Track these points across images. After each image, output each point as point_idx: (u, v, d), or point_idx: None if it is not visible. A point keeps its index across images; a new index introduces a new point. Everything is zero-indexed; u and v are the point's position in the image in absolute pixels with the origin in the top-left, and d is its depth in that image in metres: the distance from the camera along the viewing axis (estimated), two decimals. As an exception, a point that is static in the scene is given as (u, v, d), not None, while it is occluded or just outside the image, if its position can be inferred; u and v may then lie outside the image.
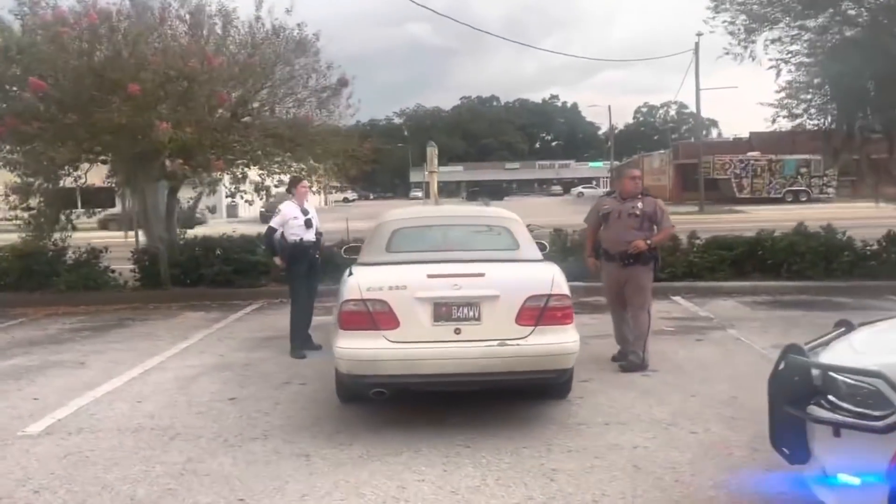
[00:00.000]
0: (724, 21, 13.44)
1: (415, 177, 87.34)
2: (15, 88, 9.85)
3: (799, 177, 47.10)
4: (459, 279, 4.84)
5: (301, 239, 7.47)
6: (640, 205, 6.44)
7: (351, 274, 5.09)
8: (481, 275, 4.92)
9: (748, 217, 30.97)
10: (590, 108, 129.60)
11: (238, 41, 10.69)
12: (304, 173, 10.67)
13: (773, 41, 13.72)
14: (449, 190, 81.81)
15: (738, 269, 11.10)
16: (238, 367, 6.93)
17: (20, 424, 5.37)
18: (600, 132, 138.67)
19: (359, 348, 4.81)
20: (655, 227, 6.44)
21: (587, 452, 4.56)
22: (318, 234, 7.79)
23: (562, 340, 4.86)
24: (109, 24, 9.38)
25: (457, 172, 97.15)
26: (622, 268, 6.40)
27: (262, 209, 34.22)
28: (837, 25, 13.27)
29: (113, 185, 11.84)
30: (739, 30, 13.70)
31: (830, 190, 46.78)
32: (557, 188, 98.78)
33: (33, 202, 10.55)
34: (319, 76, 11.33)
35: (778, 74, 13.46)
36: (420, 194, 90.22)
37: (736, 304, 9.80)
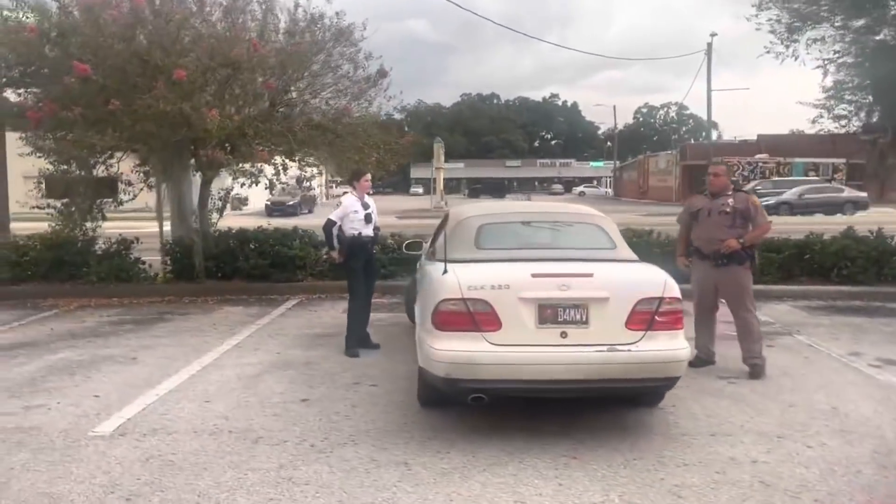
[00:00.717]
0: (770, 19, 13.27)
1: (415, 173, 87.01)
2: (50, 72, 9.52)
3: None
4: (566, 279, 4.57)
5: (360, 233, 7.21)
6: (730, 201, 6.18)
7: (445, 271, 4.79)
8: (590, 275, 4.65)
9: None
10: (590, 108, 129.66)
11: (279, 28, 10.39)
12: (355, 165, 10.39)
13: (815, 40, 13.55)
14: (450, 187, 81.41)
15: (786, 272, 10.85)
16: (299, 366, 6.65)
17: (88, 424, 5.09)
18: (600, 132, 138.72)
19: (458, 350, 4.53)
20: (750, 224, 6.18)
21: (705, 466, 4.30)
22: (377, 228, 7.53)
23: (673, 347, 4.60)
24: (153, 6, 9.06)
25: (458, 169, 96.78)
26: (715, 268, 6.15)
27: (268, 202, 34.00)
28: (883, 26, 13.11)
29: (141, 174, 11.53)
30: (782, 28, 13.53)
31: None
32: (559, 187, 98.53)
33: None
34: (359, 66, 11.02)
35: (825, 75, 13.30)
36: (420, 191, 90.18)
37: (790, 309, 9.56)
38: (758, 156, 47.85)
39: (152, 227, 12.14)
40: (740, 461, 4.38)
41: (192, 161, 10.63)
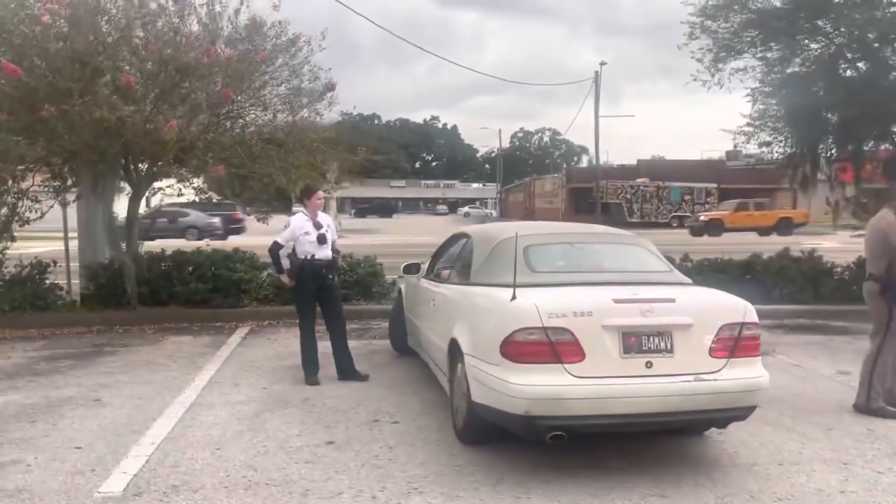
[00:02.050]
0: (701, 48, 13.68)
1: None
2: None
3: (683, 203, 49.56)
4: (650, 304, 4.30)
5: (312, 255, 6.65)
6: None
7: (514, 297, 4.40)
8: (672, 300, 4.40)
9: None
10: (468, 131, 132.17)
11: (225, 34, 9.62)
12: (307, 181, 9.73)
13: (738, 70, 14.14)
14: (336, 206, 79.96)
15: (734, 291, 11.11)
16: (298, 403, 6.01)
17: (88, 483, 4.30)
18: (479, 154, 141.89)
19: (540, 385, 4.15)
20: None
21: (799, 500, 4.13)
22: (336, 251, 6.99)
23: (755, 375, 4.42)
24: (96, 4, 8.14)
25: (341, 188, 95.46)
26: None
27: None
28: (794, 57, 13.84)
29: (51, 189, 10.33)
30: (709, 58, 14.03)
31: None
32: (443, 207, 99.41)
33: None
34: (304, 78, 10.39)
35: (753, 103, 13.84)
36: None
37: (748, 328, 9.76)
38: (639, 180, 50.19)
39: (40, 247, 10.84)
40: (828, 492, 4.23)
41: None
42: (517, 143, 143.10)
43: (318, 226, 6.68)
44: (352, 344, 8.22)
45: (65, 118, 7.92)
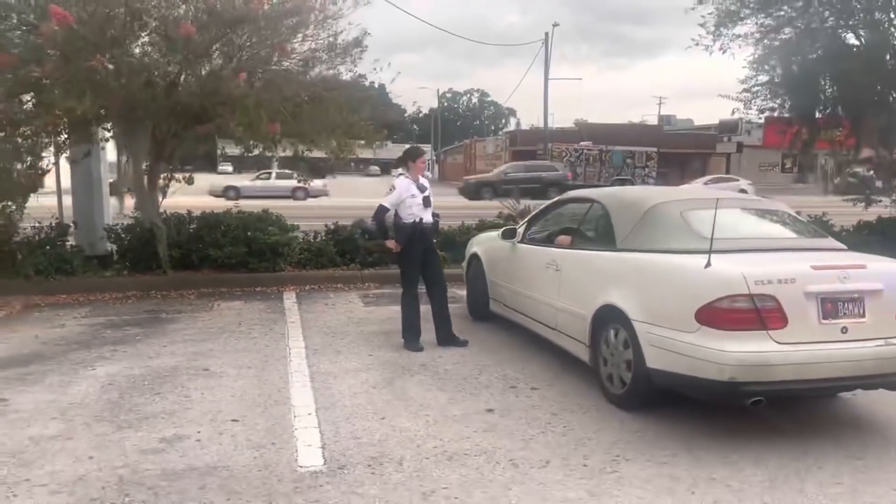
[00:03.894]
0: (710, 12, 13.85)
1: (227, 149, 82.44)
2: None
3: (625, 166, 50.57)
4: (845, 270, 4.39)
5: (420, 219, 6.53)
6: None
7: (709, 264, 4.40)
8: (863, 266, 4.51)
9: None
10: (397, 90, 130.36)
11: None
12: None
13: (738, 36, 14.41)
14: (262, 164, 78.10)
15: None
16: (417, 369, 5.91)
17: (278, 456, 4.12)
18: (406, 115, 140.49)
19: (747, 352, 4.19)
20: None
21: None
22: (436, 214, 6.86)
23: (934, 337, 4.57)
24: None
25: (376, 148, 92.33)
26: None
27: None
28: (794, 24, 14.22)
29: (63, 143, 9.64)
30: (711, 23, 14.24)
31: (650, 180, 50.81)
32: (376, 169, 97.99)
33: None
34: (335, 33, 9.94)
35: (756, 71, 14.15)
36: (230, 168, 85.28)
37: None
38: (582, 143, 50.82)
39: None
40: None
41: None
42: (445, 105, 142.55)
43: (422, 188, 6.52)
44: (395, 308, 8.10)
45: (117, 70, 7.39)
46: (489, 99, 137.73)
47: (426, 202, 6.53)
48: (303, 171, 9.74)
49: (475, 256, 7.69)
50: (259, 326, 7.33)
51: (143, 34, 7.65)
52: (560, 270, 5.86)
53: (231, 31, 7.75)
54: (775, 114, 14.61)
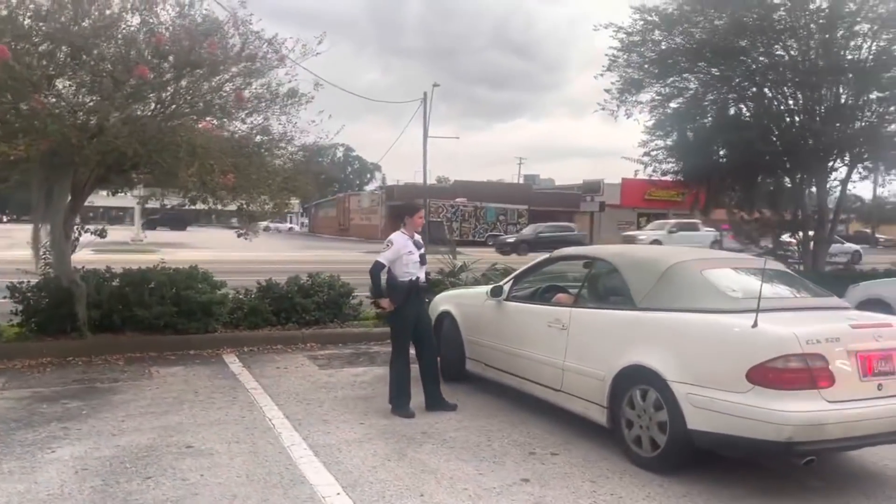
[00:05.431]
0: (614, 81, 14.59)
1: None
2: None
3: (498, 223, 51.95)
4: (879, 329, 4.56)
5: (417, 278, 6.29)
6: None
7: (756, 325, 4.40)
8: (890, 325, 4.68)
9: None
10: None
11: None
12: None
13: (638, 103, 15.27)
14: (116, 217, 73.91)
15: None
16: (419, 437, 5.54)
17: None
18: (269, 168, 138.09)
19: (802, 411, 4.20)
20: None
21: None
22: (428, 273, 6.63)
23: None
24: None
25: (124, 198, 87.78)
26: None
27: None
28: (680, 94, 15.26)
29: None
30: (615, 90, 15.02)
31: (522, 236, 52.42)
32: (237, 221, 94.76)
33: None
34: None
35: (654, 135, 14.98)
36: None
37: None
38: (457, 199, 51.82)
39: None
40: None
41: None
42: (309, 157, 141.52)
43: (418, 245, 6.24)
44: (357, 370, 7.83)
45: (54, 114, 6.66)
46: (354, 154, 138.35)
47: (423, 260, 6.26)
48: (244, 223, 9.10)
49: (446, 314, 7.42)
50: (219, 395, 6.66)
51: (82, 73, 6.93)
52: (567, 329, 5.73)
53: (188, 74, 7.20)
54: (677, 176, 15.48)
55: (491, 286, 6.91)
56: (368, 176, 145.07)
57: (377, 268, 6.22)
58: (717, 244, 27.51)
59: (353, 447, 5.24)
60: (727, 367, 4.45)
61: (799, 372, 4.26)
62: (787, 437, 4.21)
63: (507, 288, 6.70)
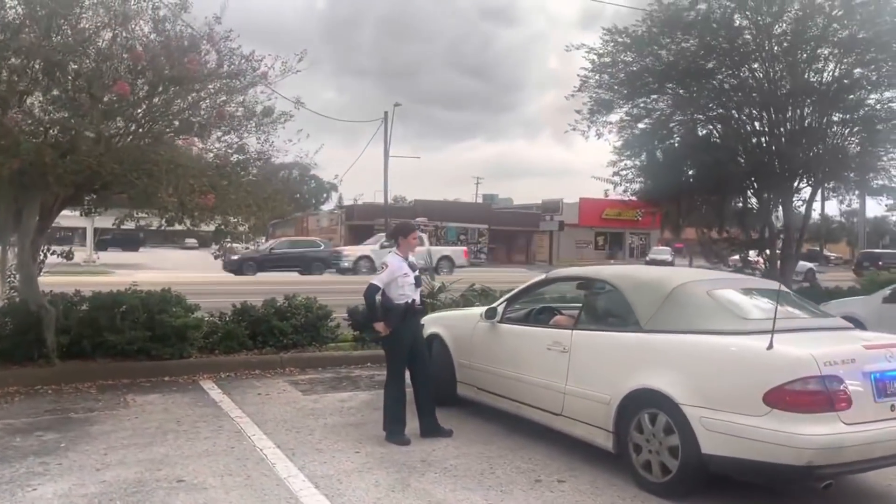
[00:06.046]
0: (585, 102, 14.69)
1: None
2: None
3: (459, 242, 51.88)
4: (892, 349, 4.55)
5: (413, 300, 6.14)
6: None
7: (771, 346, 4.35)
8: (896, 346, 4.69)
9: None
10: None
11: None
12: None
13: (608, 123, 15.40)
14: (65, 239, 71.99)
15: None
16: (419, 465, 5.36)
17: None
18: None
19: (822, 434, 4.16)
20: None
21: None
22: (423, 295, 6.48)
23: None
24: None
25: (73, 217, 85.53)
26: None
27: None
28: (648, 115, 15.46)
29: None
30: (586, 110, 15.13)
31: (482, 255, 52.54)
32: (193, 241, 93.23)
33: None
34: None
35: (623, 155, 15.10)
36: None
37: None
38: (418, 219, 51.57)
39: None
40: None
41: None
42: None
43: (412, 267, 6.09)
44: (342, 396, 7.64)
45: (26, 131, 6.38)
46: (311, 174, 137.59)
47: (418, 282, 6.12)
48: (221, 244, 8.82)
49: (435, 337, 7.25)
50: (203, 424, 6.38)
51: (57, 90, 6.65)
52: (568, 352, 5.63)
53: (170, 90, 6.96)
54: (647, 196, 15.62)
55: (485, 308, 6.77)
56: (325, 195, 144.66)
57: (372, 290, 6.03)
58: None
59: (353, 477, 5.05)
60: (742, 390, 4.39)
61: (817, 394, 4.22)
62: (807, 461, 4.16)
63: (500, 310, 6.59)
